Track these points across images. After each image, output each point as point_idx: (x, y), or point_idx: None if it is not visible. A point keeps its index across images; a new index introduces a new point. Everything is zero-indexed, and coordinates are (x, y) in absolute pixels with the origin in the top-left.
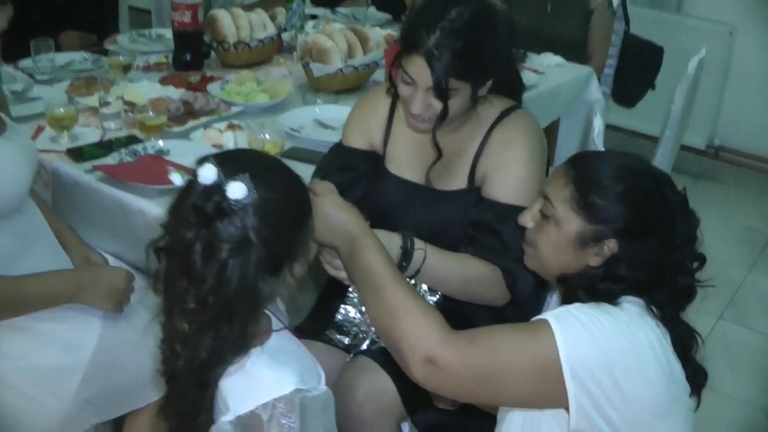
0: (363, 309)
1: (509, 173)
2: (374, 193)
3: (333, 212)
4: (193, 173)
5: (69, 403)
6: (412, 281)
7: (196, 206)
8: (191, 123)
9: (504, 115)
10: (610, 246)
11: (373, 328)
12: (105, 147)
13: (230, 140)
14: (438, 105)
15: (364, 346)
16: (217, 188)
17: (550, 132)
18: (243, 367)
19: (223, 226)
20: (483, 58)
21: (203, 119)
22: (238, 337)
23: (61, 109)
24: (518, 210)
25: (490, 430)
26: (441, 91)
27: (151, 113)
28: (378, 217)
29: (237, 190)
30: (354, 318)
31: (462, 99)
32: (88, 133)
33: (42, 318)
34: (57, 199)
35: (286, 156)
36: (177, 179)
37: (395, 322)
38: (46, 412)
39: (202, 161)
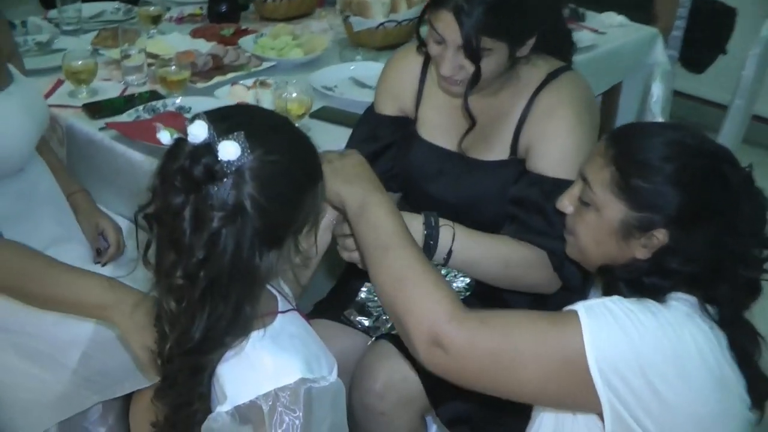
0: None
1: (555, 143)
2: (403, 160)
3: (346, 164)
4: (183, 131)
5: (67, 380)
6: (443, 270)
7: (183, 169)
8: (217, 79)
9: (550, 78)
10: (659, 237)
11: None
12: (124, 103)
13: (253, 98)
14: (470, 66)
15: (386, 330)
16: (208, 148)
17: (611, 98)
18: (242, 352)
19: (213, 191)
20: (520, 14)
21: (230, 75)
22: (233, 317)
23: (79, 62)
24: (565, 184)
25: (523, 427)
26: (471, 51)
27: (173, 67)
28: (407, 188)
29: (230, 150)
30: (377, 297)
31: (497, 60)
32: (109, 88)
33: None
34: (71, 157)
35: (314, 116)
36: (165, 137)
37: (400, 292)
38: (44, 389)
39: (193, 118)
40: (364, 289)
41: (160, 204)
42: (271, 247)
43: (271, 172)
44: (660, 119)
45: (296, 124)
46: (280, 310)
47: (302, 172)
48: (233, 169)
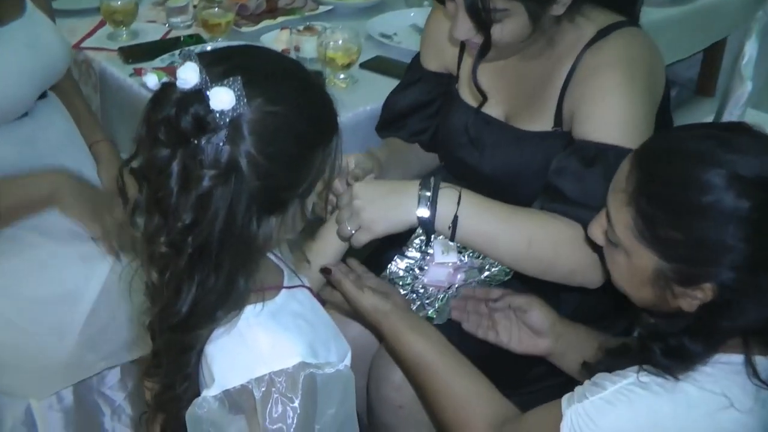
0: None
1: (598, 103)
2: (443, 122)
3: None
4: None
5: (73, 342)
6: (452, 242)
7: (168, 119)
8: (265, 22)
9: (600, 35)
10: (705, 293)
11: (427, 292)
12: (161, 47)
13: (290, 46)
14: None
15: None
16: (198, 95)
17: (713, 55)
18: (233, 329)
19: (204, 145)
20: None
21: (281, 19)
22: (224, 291)
23: (118, 2)
24: (612, 151)
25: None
26: (477, 15)
27: (216, 9)
28: (444, 153)
29: (223, 98)
30: (406, 275)
31: (517, 23)
32: (152, 30)
33: (37, 243)
34: (105, 105)
35: (365, 66)
36: (151, 81)
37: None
38: (50, 353)
39: (183, 59)
40: (395, 260)
41: (146, 158)
42: (271, 213)
43: (273, 125)
44: (748, 86)
45: (341, 75)
46: (285, 285)
47: (311, 127)
48: (227, 120)
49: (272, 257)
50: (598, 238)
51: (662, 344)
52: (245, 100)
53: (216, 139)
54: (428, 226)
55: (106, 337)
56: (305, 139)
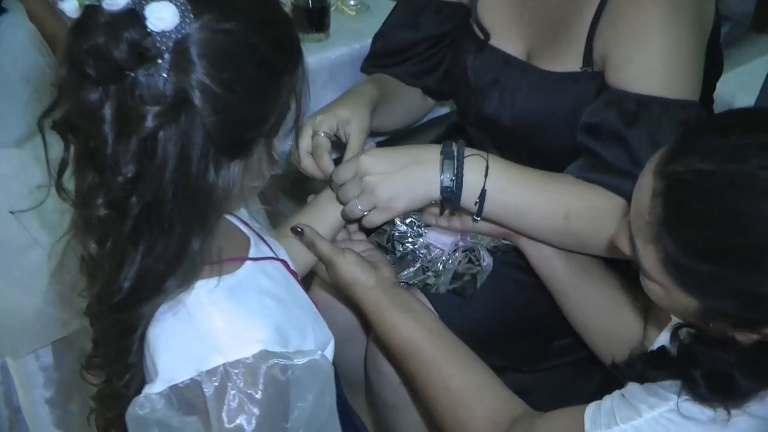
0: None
1: (637, 47)
2: (454, 65)
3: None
4: None
5: (41, 297)
6: (477, 218)
7: (96, 49)
8: None
9: None
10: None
11: (430, 254)
12: None
13: None
14: None
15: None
16: (132, 16)
17: None
18: (182, 309)
19: (143, 78)
20: None
21: None
22: (175, 257)
23: None
24: (656, 104)
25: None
26: None
27: None
28: (457, 100)
29: (163, 15)
30: (408, 230)
31: None
32: None
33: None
34: None
35: None
36: (70, 6)
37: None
38: (18, 308)
39: None
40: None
41: (71, 104)
42: (232, 157)
43: (228, 46)
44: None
45: (350, 1)
46: (250, 256)
47: (274, 47)
48: (171, 44)
49: (236, 222)
50: (627, 249)
51: (707, 371)
52: (191, 17)
53: (158, 69)
54: (453, 202)
55: (77, 293)
56: (267, 62)
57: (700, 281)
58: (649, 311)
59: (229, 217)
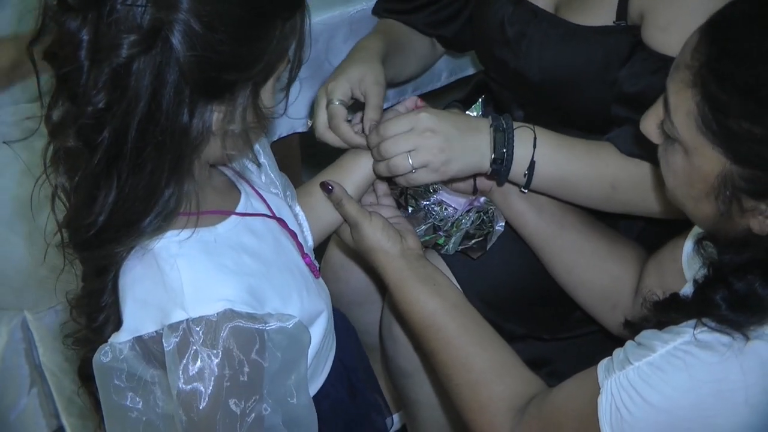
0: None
1: (685, 7)
2: (477, 16)
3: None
4: None
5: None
6: (525, 190)
7: None
8: None
9: None
10: None
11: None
12: None
13: None
14: None
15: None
16: None
17: None
18: (150, 258)
19: (121, 5)
20: None
21: None
22: (144, 198)
23: None
24: None
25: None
26: None
27: None
28: (481, 54)
29: None
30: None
31: None
32: None
33: None
34: None
35: None
36: None
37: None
38: (34, 264)
39: None
40: None
41: (55, 31)
42: (209, 99)
43: None
44: None
45: None
46: (238, 210)
47: None
48: None
49: (231, 175)
50: (652, 133)
51: (727, 292)
52: None
53: None
54: (501, 174)
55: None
56: (257, 3)
57: (734, 124)
58: (648, 265)
59: (222, 168)
